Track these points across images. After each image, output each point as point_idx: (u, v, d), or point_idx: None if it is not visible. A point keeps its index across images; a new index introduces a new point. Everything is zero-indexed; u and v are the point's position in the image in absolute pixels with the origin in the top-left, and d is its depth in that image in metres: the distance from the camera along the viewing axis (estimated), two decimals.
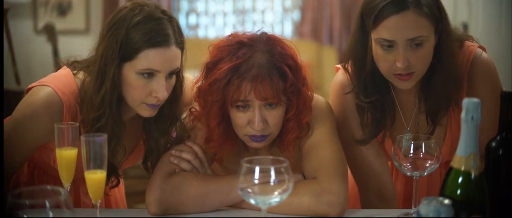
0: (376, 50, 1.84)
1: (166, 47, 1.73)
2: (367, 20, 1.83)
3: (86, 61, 1.86)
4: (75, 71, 1.84)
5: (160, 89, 1.74)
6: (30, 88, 1.83)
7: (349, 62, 1.95)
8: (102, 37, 1.77)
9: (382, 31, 1.80)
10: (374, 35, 1.82)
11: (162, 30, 1.73)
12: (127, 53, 1.72)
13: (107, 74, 1.73)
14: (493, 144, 1.52)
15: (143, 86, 1.74)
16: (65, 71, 1.85)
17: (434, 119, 1.94)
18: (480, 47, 1.97)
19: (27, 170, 1.96)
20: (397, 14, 1.77)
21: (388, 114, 1.97)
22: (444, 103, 1.91)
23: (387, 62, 1.83)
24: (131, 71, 1.74)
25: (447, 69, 1.86)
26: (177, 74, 1.81)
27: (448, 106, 1.93)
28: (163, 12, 1.77)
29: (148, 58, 1.72)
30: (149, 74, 1.73)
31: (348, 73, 1.96)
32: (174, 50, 1.75)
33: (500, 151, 1.51)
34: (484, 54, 1.95)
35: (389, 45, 1.80)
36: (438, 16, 1.81)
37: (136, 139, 1.96)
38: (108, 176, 1.79)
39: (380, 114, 1.95)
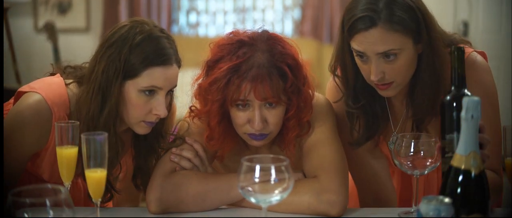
0: (356, 59, 1.83)
1: (169, 65, 1.76)
2: (344, 31, 1.82)
3: (79, 69, 1.86)
4: (67, 82, 1.84)
5: (161, 107, 1.76)
6: (21, 92, 1.82)
7: (338, 68, 1.93)
8: (101, 54, 1.77)
9: (355, 44, 1.79)
10: (351, 46, 1.82)
11: (164, 49, 1.76)
12: (131, 71, 1.74)
13: (111, 92, 1.74)
14: (448, 97, 1.61)
15: (144, 104, 1.76)
16: (58, 79, 1.84)
17: (419, 125, 1.91)
18: (479, 52, 1.92)
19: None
20: (366, 31, 1.75)
21: (381, 118, 1.96)
22: (429, 111, 1.87)
23: (365, 72, 1.82)
24: (133, 89, 1.75)
25: (430, 78, 1.83)
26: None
27: (433, 114, 1.88)
28: (162, 30, 1.81)
29: (152, 76, 1.74)
30: (151, 91, 1.76)
31: (338, 79, 1.95)
32: (175, 68, 1.79)
33: (454, 104, 1.59)
34: (478, 60, 1.89)
35: (363, 56, 1.79)
36: (414, 28, 1.77)
37: (125, 152, 1.96)
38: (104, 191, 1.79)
39: (372, 118, 1.94)
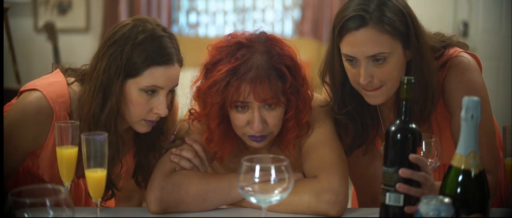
0: (344, 63, 1.83)
1: (170, 65, 1.76)
2: (335, 33, 1.82)
3: (80, 71, 1.86)
4: (69, 81, 1.84)
5: (162, 106, 1.76)
6: (23, 91, 1.82)
7: (327, 74, 1.93)
8: (103, 52, 1.76)
9: (344, 47, 1.79)
10: (341, 49, 1.81)
11: (167, 48, 1.76)
12: (132, 70, 1.74)
13: (112, 91, 1.74)
14: (393, 128, 1.52)
15: (145, 103, 1.76)
16: (60, 79, 1.84)
17: None
18: (470, 54, 1.91)
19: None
20: (357, 31, 1.75)
21: (371, 125, 1.95)
22: (417, 118, 1.86)
23: (353, 76, 1.81)
24: (134, 88, 1.75)
25: (418, 85, 1.81)
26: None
27: (420, 121, 1.87)
28: (164, 29, 1.80)
29: (153, 75, 1.74)
30: (152, 91, 1.76)
31: (327, 86, 1.94)
32: (177, 67, 1.79)
33: (398, 136, 1.51)
34: (463, 60, 1.87)
35: (352, 60, 1.79)
36: (404, 32, 1.77)
37: (127, 150, 1.96)
38: (105, 189, 1.79)
39: (362, 127, 1.93)
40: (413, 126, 1.52)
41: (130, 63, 1.73)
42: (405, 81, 1.50)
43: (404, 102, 1.51)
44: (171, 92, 1.83)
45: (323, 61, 1.93)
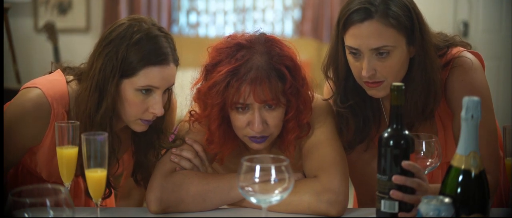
0: (348, 56, 1.84)
1: (166, 65, 1.76)
2: (340, 26, 1.82)
3: (78, 69, 1.86)
4: (68, 79, 1.84)
5: (157, 106, 1.77)
6: (24, 89, 1.82)
7: (331, 69, 1.94)
8: (99, 51, 1.77)
9: (349, 39, 1.80)
10: (345, 42, 1.82)
11: (162, 48, 1.76)
12: (128, 70, 1.74)
13: (108, 90, 1.74)
14: (385, 134, 1.52)
15: (141, 103, 1.76)
16: (59, 77, 1.85)
17: (410, 129, 1.87)
18: (473, 52, 1.92)
19: (12, 169, 1.95)
20: (361, 23, 1.76)
21: (373, 121, 1.96)
22: (420, 115, 1.87)
23: (356, 69, 1.82)
24: (129, 88, 1.75)
25: (421, 81, 1.82)
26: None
27: (423, 118, 1.89)
28: (160, 29, 1.80)
29: (148, 75, 1.74)
30: (148, 90, 1.76)
31: (330, 80, 1.95)
32: (172, 67, 1.79)
33: (390, 142, 1.51)
34: (466, 60, 1.88)
35: (356, 52, 1.79)
36: (409, 27, 1.78)
37: (125, 149, 1.97)
38: None
39: (363, 122, 1.94)
40: (406, 132, 1.52)
41: (126, 63, 1.73)
42: (395, 88, 1.50)
43: (395, 109, 1.52)
44: (168, 91, 1.83)
45: (327, 55, 1.94)
